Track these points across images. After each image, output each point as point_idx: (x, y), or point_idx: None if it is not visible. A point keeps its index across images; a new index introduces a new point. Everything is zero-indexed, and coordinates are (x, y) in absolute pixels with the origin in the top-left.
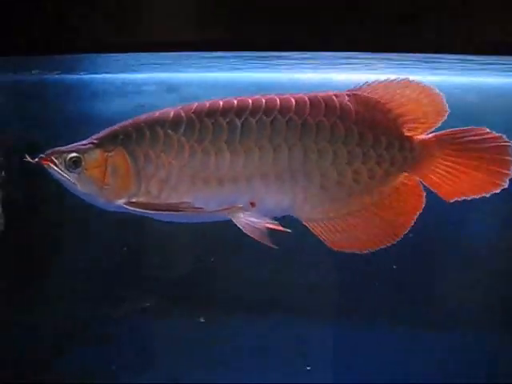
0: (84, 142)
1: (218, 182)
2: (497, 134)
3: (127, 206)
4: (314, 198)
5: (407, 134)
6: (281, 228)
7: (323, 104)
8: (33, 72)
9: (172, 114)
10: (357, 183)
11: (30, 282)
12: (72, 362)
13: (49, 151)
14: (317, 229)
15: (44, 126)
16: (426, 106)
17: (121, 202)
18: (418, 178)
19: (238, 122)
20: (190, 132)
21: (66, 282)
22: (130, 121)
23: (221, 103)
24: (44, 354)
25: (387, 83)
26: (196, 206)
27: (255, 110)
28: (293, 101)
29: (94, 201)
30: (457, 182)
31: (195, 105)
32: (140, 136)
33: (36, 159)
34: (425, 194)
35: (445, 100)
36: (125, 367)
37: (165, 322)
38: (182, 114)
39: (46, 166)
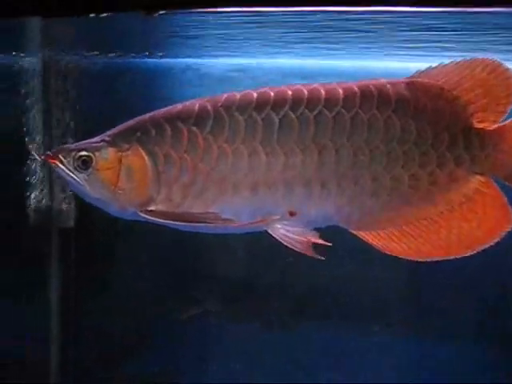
0: (95, 138)
1: (251, 188)
2: None
3: (144, 215)
4: (363, 207)
5: (477, 126)
6: (323, 242)
7: (376, 94)
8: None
9: (197, 107)
10: (415, 190)
11: (97, 284)
12: (139, 364)
13: (56, 148)
14: (367, 236)
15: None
16: (495, 88)
17: (136, 209)
18: (495, 185)
19: (276, 118)
20: (219, 129)
21: (134, 284)
22: (148, 115)
23: (254, 95)
24: (112, 357)
25: (451, 66)
26: (225, 216)
27: (296, 103)
28: (340, 91)
29: (105, 207)
30: None
31: (224, 97)
32: (160, 133)
33: (42, 157)
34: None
35: None
36: (189, 370)
37: (230, 326)
38: (209, 108)
39: (52, 165)
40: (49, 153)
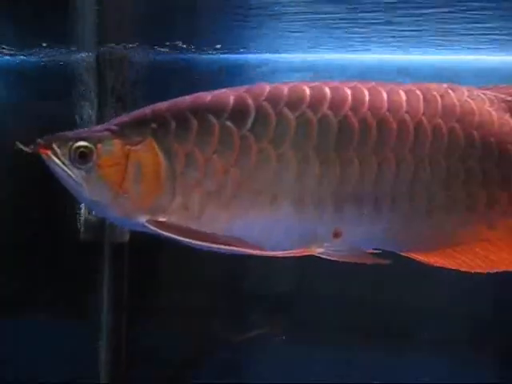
0: (100, 127)
1: (295, 203)
2: None
3: (151, 226)
4: (414, 228)
5: None
6: (381, 260)
7: (439, 101)
8: None
9: (232, 99)
10: (471, 211)
11: (151, 304)
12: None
13: (49, 136)
14: (414, 255)
15: None
16: None
17: (142, 218)
18: None
19: (335, 120)
20: (262, 128)
21: (190, 304)
22: (167, 103)
23: (307, 90)
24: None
25: None
26: (253, 234)
27: (357, 103)
28: (402, 94)
29: (104, 212)
30: None
31: (267, 89)
32: (183, 127)
33: (31, 147)
34: None
35: None
36: None
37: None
38: (249, 101)
39: (43, 156)
40: (40, 141)
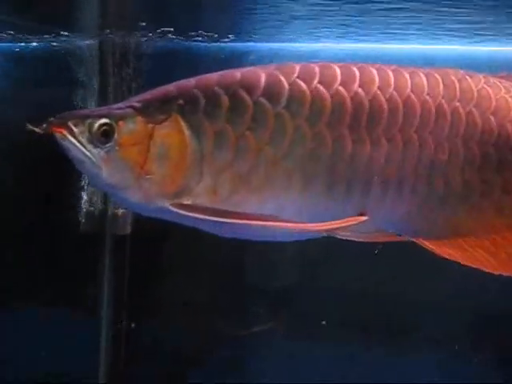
0: (119, 104)
1: (328, 183)
2: None
3: (176, 210)
4: (430, 213)
5: None
6: (399, 238)
7: (457, 85)
8: None
9: (264, 76)
10: (485, 198)
11: (154, 297)
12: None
13: (64, 114)
14: (426, 243)
15: None
16: None
17: (165, 203)
18: None
19: (366, 99)
20: (297, 105)
21: (193, 297)
22: (195, 79)
23: (337, 68)
24: (165, 372)
25: None
26: (283, 216)
27: (384, 83)
28: (423, 76)
29: (123, 197)
30: None
31: (297, 67)
32: (213, 103)
33: (43, 126)
34: None
35: None
36: None
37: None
38: (282, 78)
39: (58, 136)
40: (53, 120)
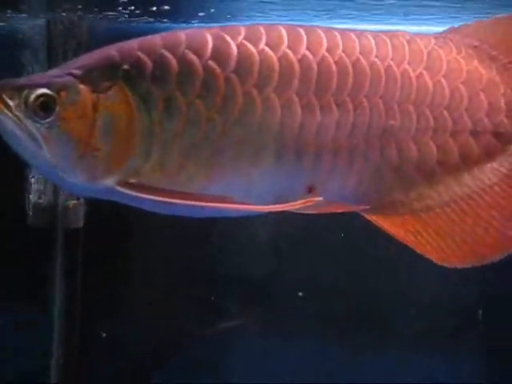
0: (55, 71)
1: (277, 153)
2: None
3: (123, 190)
4: (384, 184)
5: None
6: (359, 208)
7: (406, 47)
8: None
9: (211, 37)
10: (442, 165)
11: (108, 293)
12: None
13: None
14: (382, 222)
15: None
16: None
17: (111, 182)
18: None
19: (314, 62)
20: (246, 69)
21: (148, 292)
22: (136, 42)
23: (283, 31)
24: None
25: (487, 22)
26: (233, 193)
27: (332, 45)
28: (371, 38)
29: (64, 178)
30: None
31: (242, 29)
32: (160, 67)
33: None
34: None
35: None
36: None
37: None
38: (228, 40)
39: None
40: None
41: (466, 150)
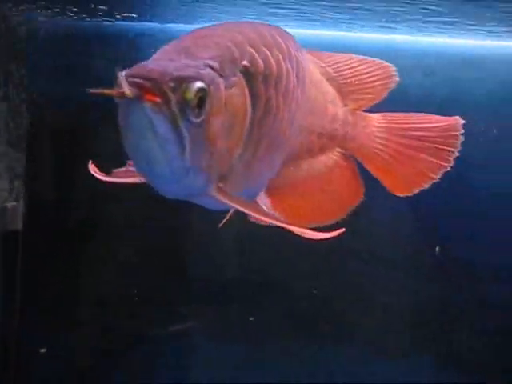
0: (186, 61)
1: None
2: (445, 118)
3: (217, 196)
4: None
5: (351, 106)
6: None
7: (279, 39)
8: None
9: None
10: (306, 153)
11: (47, 299)
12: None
13: (143, 69)
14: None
15: None
16: (374, 78)
17: (211, 186)
18: (353, 162)
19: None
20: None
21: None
22: (238, 33)
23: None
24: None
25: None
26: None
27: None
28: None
29: (192, 182)
30: (401, 168)
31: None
32: (268, 66)
33: (125, 88)
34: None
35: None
36: None
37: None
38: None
39: (146, 105)
40: (142, 82)
41: (311, 146)
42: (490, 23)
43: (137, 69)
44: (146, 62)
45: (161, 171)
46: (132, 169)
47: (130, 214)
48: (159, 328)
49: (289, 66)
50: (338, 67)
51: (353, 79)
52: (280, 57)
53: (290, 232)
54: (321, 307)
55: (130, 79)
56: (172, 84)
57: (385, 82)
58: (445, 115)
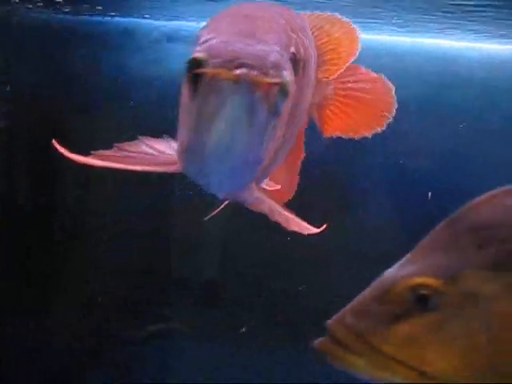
0: (274, 47)
1: None
2: (379, 76)
3: (263, 197)
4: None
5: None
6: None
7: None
8: None
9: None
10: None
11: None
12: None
13: (251, 53)
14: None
15: None
16: (344, 48)
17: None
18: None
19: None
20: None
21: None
22: (275, 15)
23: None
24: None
25: (317, 16)
26: None
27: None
28: None
29: (252, 177)
30: (339, 120)
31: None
32: (304, 55)
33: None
34: None
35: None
36: None
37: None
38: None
39: (258, 91)
40: (244, 62)
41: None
42: None
43: (232, 51)
44: (224, 43)
45: (242, 159)
46: (119, 154)
47: (112, 215)
48: (141, 330)
49: (311, 52)
50: (319, 35)
51: (327, 48)
52: (306, 41)
53: (289, 232)
54: (311, 307)
55: (232, 62)
56: (274, 72)
57: (349, 54)
58: None
